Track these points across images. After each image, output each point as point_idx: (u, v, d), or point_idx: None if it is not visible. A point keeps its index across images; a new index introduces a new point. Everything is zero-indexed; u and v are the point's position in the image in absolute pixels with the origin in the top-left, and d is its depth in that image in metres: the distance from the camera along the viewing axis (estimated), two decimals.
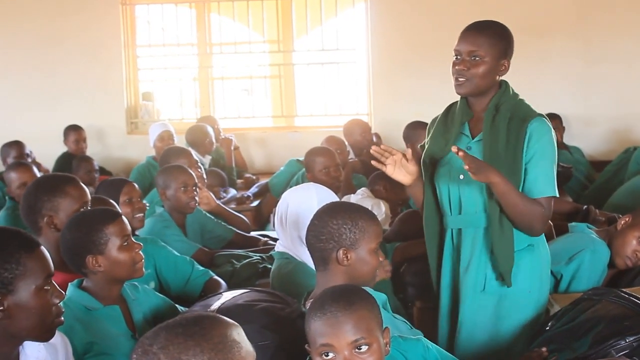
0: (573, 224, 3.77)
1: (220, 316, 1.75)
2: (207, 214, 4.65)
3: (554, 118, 7.24)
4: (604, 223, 4.33)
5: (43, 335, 2.08)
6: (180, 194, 4.26)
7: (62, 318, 2.13)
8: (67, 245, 2.70)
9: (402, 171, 3.10)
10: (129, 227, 2.79)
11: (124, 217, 2.80)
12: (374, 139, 6.89)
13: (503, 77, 3.05)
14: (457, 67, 2.97)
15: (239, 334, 1.70)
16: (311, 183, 3.81)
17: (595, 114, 7.68)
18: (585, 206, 4.69)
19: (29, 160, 6.25)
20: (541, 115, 2.99)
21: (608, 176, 6.50)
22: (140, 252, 2.78)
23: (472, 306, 3.06)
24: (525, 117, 2.94)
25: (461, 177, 3.03)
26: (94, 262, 2.66)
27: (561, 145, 7.15)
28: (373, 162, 3.19)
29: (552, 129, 3.00)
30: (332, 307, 2.06)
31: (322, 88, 8.34)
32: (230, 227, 4.69)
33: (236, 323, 1.73)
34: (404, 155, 3.08)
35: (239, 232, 4.69)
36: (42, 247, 2.11)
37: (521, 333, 3.02)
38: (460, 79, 2.97)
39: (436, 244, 3.18)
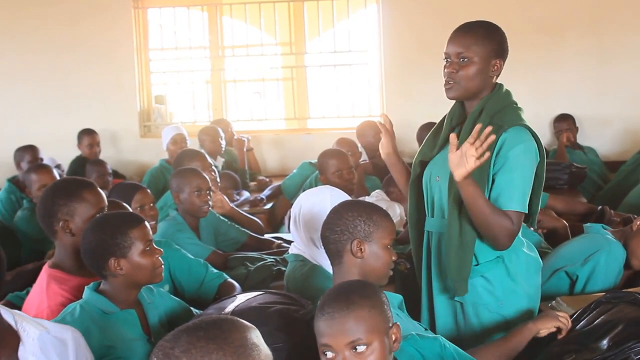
0: (588, 224, 3.75)
1: (239, 319, 1.75)
2: (221, 217, 4.65)
3: (568, 118, 7.23)
4: (619, 223, 4.31)
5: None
6: (193, 197, 4.26)
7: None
8: (89, 247, 2.70)
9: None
10: (151, 233, 2.80)
11: (146, 222, 2.81)
12: None
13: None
14: (446, 70, 2.92)
15: (257, 337, 1.72)
16: (325, 186, 3.83)
17: (609, 113, 7.63)
18: (600, 207, 4.68)
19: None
20: (521, 125, 2.86)
21: (623, 176, 6.47)
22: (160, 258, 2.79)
23: (445, 313, 3.02)
24: (501, 125, 2.83)
25: (437, 179, 3.00)
26: (116, 265, 2.66)
27: (575, 146, 7.13)
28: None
29: (533, 141, 2.86)
30: (330, 307, 2.10)
31: (334, 90, 8.33)
32: (244, 229, 4.69)
33: (254, 326, 1.74)
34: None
35: (253, 234, 4.69)
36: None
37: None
38: (450, 82, 2.91)
39: (417, 244, 3.15)
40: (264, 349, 1.71)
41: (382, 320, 2.12)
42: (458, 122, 3.02)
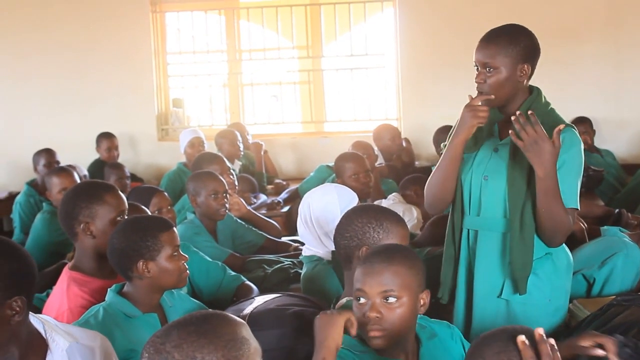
0: (605, 227, 3.74)
1: (228, 314, 1.78)
2: (238, 220, 4.67)
3: (584, 121, 7.20)
4: (637, 226, 4.29)
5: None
6: (210, 201, 4.28)
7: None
8: (118, 247, 2.73)
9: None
10: (179, 238, 2.83)
11: (175, 228, 2.83)
12: (404, 144, 6.89)
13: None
14: (476, 80, 2.94)
15: (247, 331, 1.73)
16: (329, 183, 3.89)
17: (626, 116, 7.61)
18: (617, 210, 4.66)
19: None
20: (572, 126, 2.92)
21: None
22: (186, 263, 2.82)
23: (485, 312, 3.00)
24: (555, 126, 2.83)
25: (485, 178, 2.98)
26: (145, 267, 2.69)
27: (592, 149, 7.10)
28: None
29: (581, 142, 2.93)
30: (373, 258, 2.30)
31: (351, 93, 8.35)
32: (261, 232, 4.71)
33: (243, 321, 1.77)
34: None
35: (270, 237, 4.71)
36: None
37: None
38: (481, 92, 2.93)
39: (457, 242, 3.10)
40: (254, 343, 1.72)
41: (416, 281, 2.31)
42: (497, 120, 3.02)
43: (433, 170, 3.09)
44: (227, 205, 4.37)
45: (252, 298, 3.01)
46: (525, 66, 2.92)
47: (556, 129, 2.74)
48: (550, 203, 2.80)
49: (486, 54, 2.89)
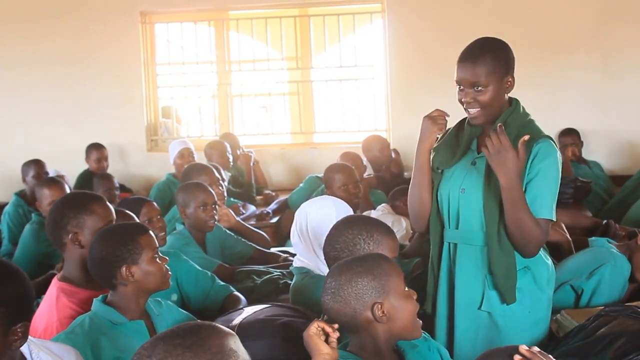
0: (593, 238, 3.76)
1: (217, 325, 1.76)
2: (227, 231, 4.67)
3: (572, 132, 7.23)
4: (625, 237, 4.32)
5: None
6: (199, 212, 4.28)
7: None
8: (99, 256, 2.74)
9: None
10: (157, 241, 2.85)
11: (151, 231, 2.86)
12: (393, 155, 6.90)
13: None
14: (464, 100, 2.94)
15: (235, 343, 1.71)
16: (326, 196, 3.90)
17: (614, 128, 7.65)
18: (605, 221, 4.68)
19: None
20: (549, 137, 2.92)
21: (628, 191, 6.45)
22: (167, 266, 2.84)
23: (467, 324, 3.01)
24: (532, 136, 2.86)
25: (462, 191, 2.99)
26: (128, 272, 2.70)
27: (580, 160, 7.13)
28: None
29: (559, 153, 2.93)
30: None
31: (340, 104, 8.37)
32: (250, 243, 4.71)
33: (232, 332, 1.75)
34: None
35: (259, 248, 4.71)
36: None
37: None
38: (473, 111, 2.93)
39: (437, 255, 3.12)
40: (242, 355, 1.71)
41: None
42: (477, 134, 3.04)
43: (409, 188, 3.14)
44: (216, 217, 4.38)
45: (242, 309, 3.02)
46: (510, 78, 2.93)
47: (521, 140, 2.77)
48: (516, 213, 2.80)
49: (473, 74, 2.88)
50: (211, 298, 3.60)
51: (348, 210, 3.41)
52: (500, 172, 2.78)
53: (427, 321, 3.07)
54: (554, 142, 2.92)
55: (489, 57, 2.88)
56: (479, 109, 2.91)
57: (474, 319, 2.99)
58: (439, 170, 3.07)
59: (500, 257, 2.88)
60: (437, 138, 3.12)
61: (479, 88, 2.88)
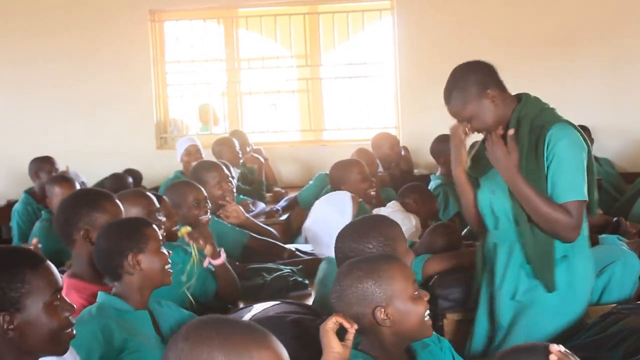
0: (603, 235, 3.75)
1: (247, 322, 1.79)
2: (218, 220, 4.62)
3: (583, 130, 7.16)
4: (635, 235, 4.30)
5: (56, 349, 2.05)
6: (193, 211, 4.19)
7: (74, 331, 2.08)
8: (106, 247, 2.76)
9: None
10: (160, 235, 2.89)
11: (155, 226, 2.88)
12: (402, 152, 6.89)
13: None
14: (468, 129, 3.10)
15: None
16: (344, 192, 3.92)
17: (625, 125, 7.62)
18: (616, 218, 4.66)
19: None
20: (563, 121, 3.00)
21: (639, 188, 6.43)
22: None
23: (506, 313, 3.09)
24: (544, 125, 2.96)
25: (492, 192, 3.11)
26: (135, 260, 2.72)
27: None
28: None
29: (577, 133, 3.00)
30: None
31: (350, 102, 8.36)
32: (243, 230, 4.69)
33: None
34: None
35: (254, 235, 4.68)
36: (48, 263, 2.04)
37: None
38: (482, 134, 3.11)
39: (481, 257, 3.26)
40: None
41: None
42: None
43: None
44: (209, 210, 4.30)
45: (251, 305, 3.02)
46: (489, 91, 3.01)
47: (509, 133, 2.93)
48: (528, 204, 2.92)
49: (454, 112, 3.08)
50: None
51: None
52: (497, 169, 2.98)
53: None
54: (570, 124, 3.00)
55: (456, 94, 3.04)
56: (484, 131, 3.08)
57: (511, 309, 3.08)
58: (477, 180, 3.20)
59: (536, 249, 2.97)
60: (469, 149, 3.26)
61: (465, 119, 3.05)
